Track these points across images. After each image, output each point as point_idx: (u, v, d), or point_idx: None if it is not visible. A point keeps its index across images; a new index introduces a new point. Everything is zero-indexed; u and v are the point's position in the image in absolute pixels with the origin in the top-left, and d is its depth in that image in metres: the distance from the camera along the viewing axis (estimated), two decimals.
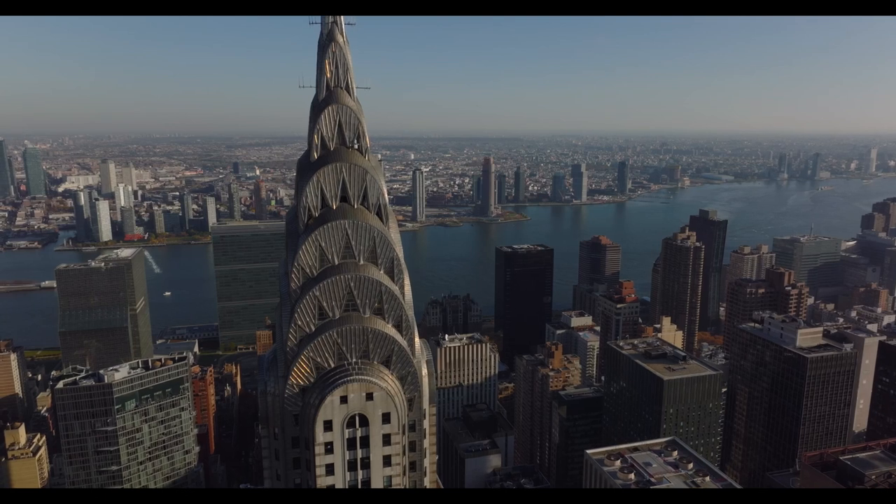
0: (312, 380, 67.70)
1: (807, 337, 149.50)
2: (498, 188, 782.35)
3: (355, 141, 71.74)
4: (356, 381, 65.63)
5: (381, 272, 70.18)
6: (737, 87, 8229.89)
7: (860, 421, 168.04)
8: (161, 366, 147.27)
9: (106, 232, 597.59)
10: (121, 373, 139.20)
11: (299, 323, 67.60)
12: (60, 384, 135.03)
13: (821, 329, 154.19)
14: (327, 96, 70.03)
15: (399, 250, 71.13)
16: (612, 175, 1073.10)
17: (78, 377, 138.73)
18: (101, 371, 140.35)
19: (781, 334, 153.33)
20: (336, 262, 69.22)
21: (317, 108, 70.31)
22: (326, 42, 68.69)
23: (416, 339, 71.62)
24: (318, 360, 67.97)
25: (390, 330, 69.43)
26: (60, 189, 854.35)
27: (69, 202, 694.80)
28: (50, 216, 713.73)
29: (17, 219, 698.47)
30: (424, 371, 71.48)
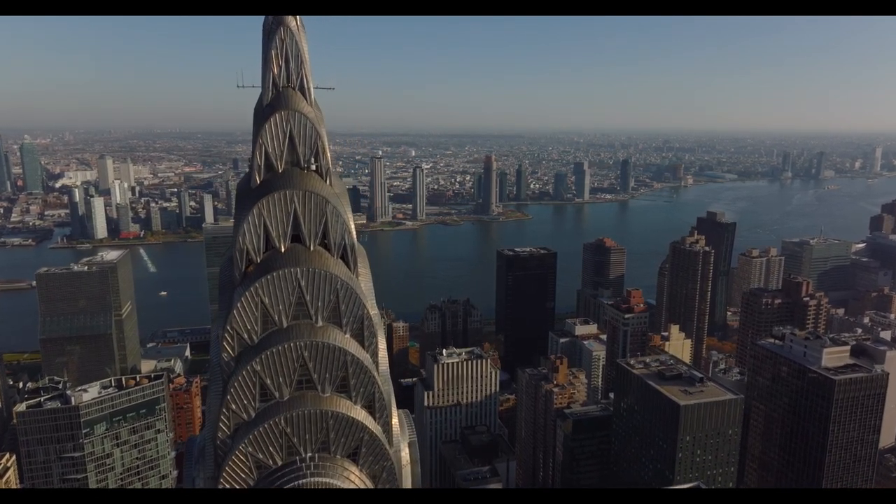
0: (252, 482, 50.97)
1: (833, 356, 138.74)
2: (499, 186, 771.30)
3: (312, 160, 53.70)
4: (311, 484, 49.68)
5: (347, 336, 52.70)
6: (738, 85, 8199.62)
7: (882, 438, 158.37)
8: (135, 385, 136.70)
9: (101, 229, 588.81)
10: (90, 393, 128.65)
11: (234, 407, 50.50)
12: (23, 406, 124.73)
13: (848, 348, 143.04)
14: (274, 99, 51.97)
15: (370, 305, 54.17)
16: (615, 173, 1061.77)
17: (42, 399, 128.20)
18: (69, 392, 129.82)
19: (805, 353, 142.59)
20: (284, 325, 52.54)
21: (260, 115, 52.25)
22: (273, 27, 50.12)
23: (394, 420, 54.61)
24: (260, 456, 51.53)
25: (358, 413, 52.39)
26: (58, 185, 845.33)
27: (66, 198, 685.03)
28: (46, 212, 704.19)
29: (13, 215, 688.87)
30: (406, 457, 54.65)
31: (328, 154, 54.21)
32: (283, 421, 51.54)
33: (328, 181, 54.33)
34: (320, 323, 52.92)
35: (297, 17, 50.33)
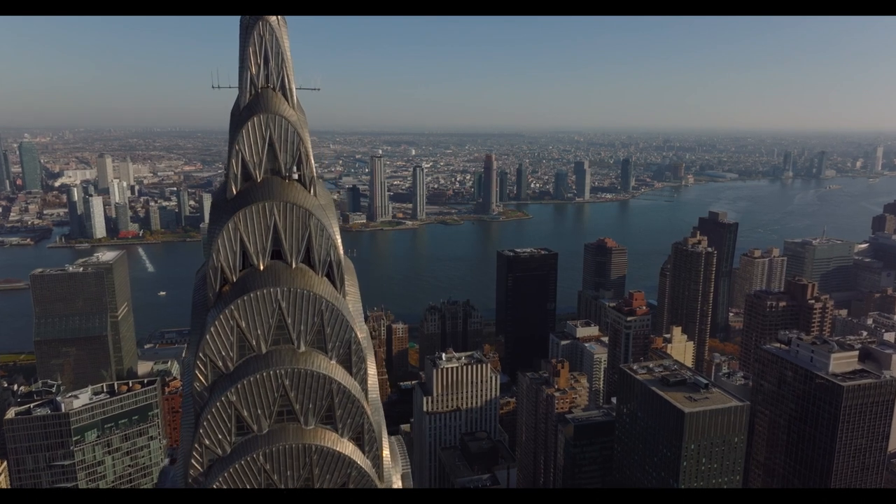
0: None
1: (841, 362, 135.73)
2: (499, 185, 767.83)
3: (294, 168, 48.73)
4: None
5: (333, 362, 48.08)
6: (739, 83, 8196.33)
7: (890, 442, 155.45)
8: (128, 391, 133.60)
9: (100, 228, 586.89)
10: (80, 399, 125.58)
11: (207, 442, 46.37)
12: (11, 413, 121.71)
13: (856, 353, 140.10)
14: (252, 101, 46.79)
15: (359, 327, 48.72)
16: (615, 172, 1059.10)
17: (32, 405, 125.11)
18: (59, 398, 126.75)
19: (811, 358, 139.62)
20: (263, 350, 48.04)
21: (238, 119, 47.02)
22: (251, 22, 45.00)
23: (385, 452, 50.01)
24: None
25: (345, 446, 47.56)
26: (57, 184, 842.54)
27: (65, 197, 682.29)
28: (45, 211, 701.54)
29: (11, 214, 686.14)
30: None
31: (312, 161, 49.25)
32: (261, 456, 47.18)
33: (312, 191, 49.67)
34: (303, 348, 48.27)
35: None
